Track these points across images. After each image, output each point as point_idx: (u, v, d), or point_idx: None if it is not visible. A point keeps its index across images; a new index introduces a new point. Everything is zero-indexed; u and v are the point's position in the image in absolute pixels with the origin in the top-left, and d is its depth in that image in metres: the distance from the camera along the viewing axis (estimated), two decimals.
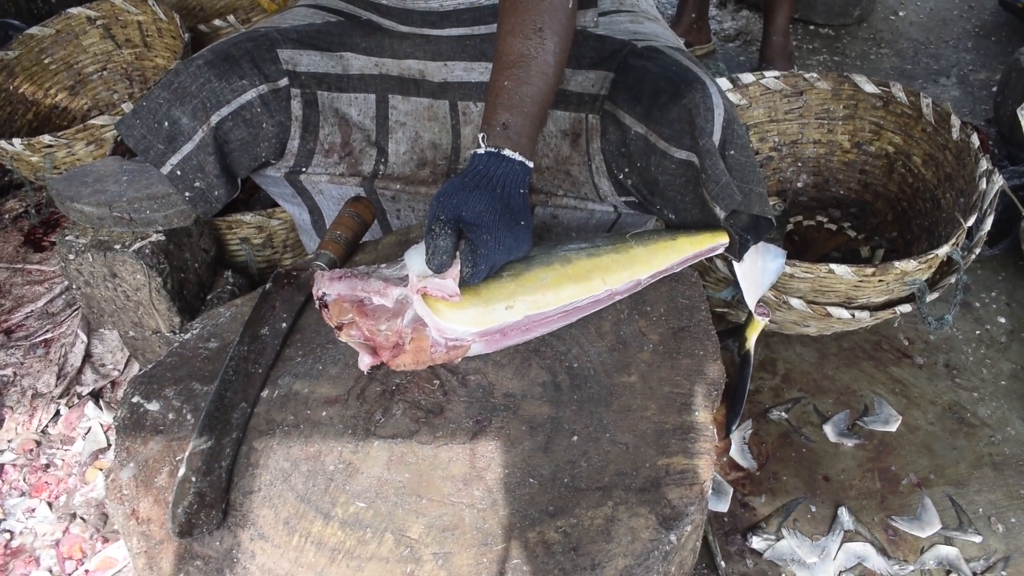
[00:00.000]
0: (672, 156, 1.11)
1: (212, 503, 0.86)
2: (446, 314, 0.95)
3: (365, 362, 0.96)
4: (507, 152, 0.99)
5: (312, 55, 1.31)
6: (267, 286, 1.10)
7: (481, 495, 0.87)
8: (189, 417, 0.97)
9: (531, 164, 1.01)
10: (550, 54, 1.03)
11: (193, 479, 0.87)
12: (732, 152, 1.09)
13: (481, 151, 1.00)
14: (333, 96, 1.33)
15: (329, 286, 0.98)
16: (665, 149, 1.11)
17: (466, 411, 0.95)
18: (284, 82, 1.30)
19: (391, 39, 1.31)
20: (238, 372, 0.99)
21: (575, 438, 0.92)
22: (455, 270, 0.94)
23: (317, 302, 0.99)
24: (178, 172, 1.25)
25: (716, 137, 1.07)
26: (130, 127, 1.24)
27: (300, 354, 1.03)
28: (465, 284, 0.96)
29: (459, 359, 0.98)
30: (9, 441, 1.51)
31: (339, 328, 0.97)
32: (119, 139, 1.53)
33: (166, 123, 1.23)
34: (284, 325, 1.05)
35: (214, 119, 1.25)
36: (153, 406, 0.98)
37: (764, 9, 2.32)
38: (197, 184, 1.27)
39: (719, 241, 1.11)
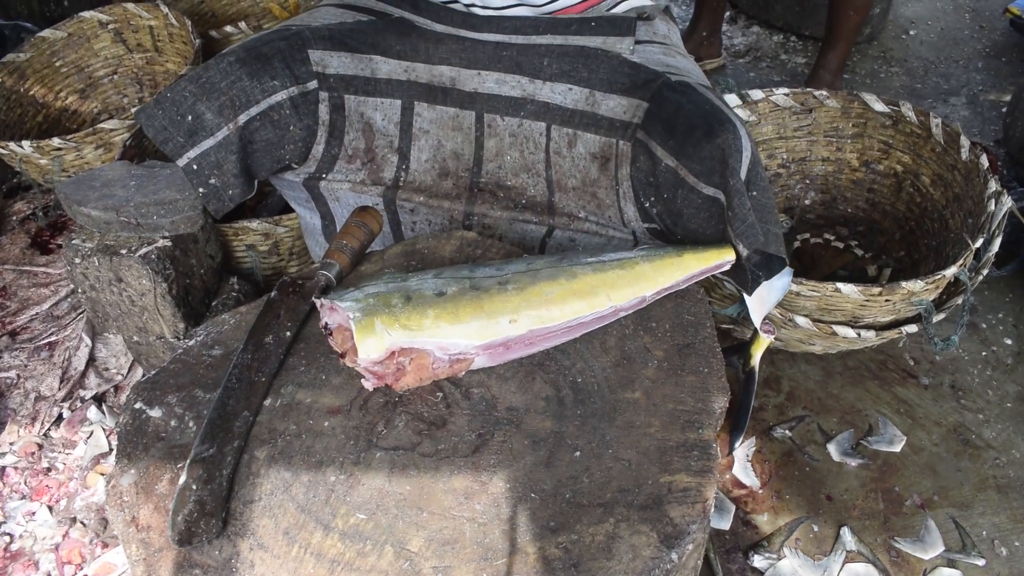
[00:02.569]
0: (700, 191, 1.13)
1: (212, 511, 0.86)
2: (446, 329, 0.95)
3: (369, 384, 0.96)
4: None
5: (342, 57, 1.30)
6: (272, 294, 1.10)
7: (482, 509, 0.86)
8: (191, 424, 0.97)
9: None
10: None
11: (194, 487, 0.87)
12: (755, 193, 1.12)
13: None
14: (360, 100, 1.32)
15: (330, 316, 0.99)
16: (694, 184, 1.13)
17: (468, 424, 0.95)
18: (313, 84, 1.29)
19: (426, 43, 1.30)
20: (241, 380, 0.99)
21: (577, 453, 0.91)
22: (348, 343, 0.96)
23: (323, 331, 1.00)
24: (194, 166, 1.24)
25: (743, 177, 1.10)
26: (151, 117, 1.23)
27: (303, 363, 1.03)
28: None
29: (463, 372, 0.98)
30: (11, 444, 1.51)
31: (343, 355, 0.97)
32: (128, 143, 1.54)
33: (189, 117, 1.22)
34: (288, 334, 1.05)
35: (242, 119, 1.24)
36: (155, 412, 0.98)
37: (822, 43, 2.31)
38: (212, 181, 1.26)
39: (725, 258, 1.11)
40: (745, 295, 1.17)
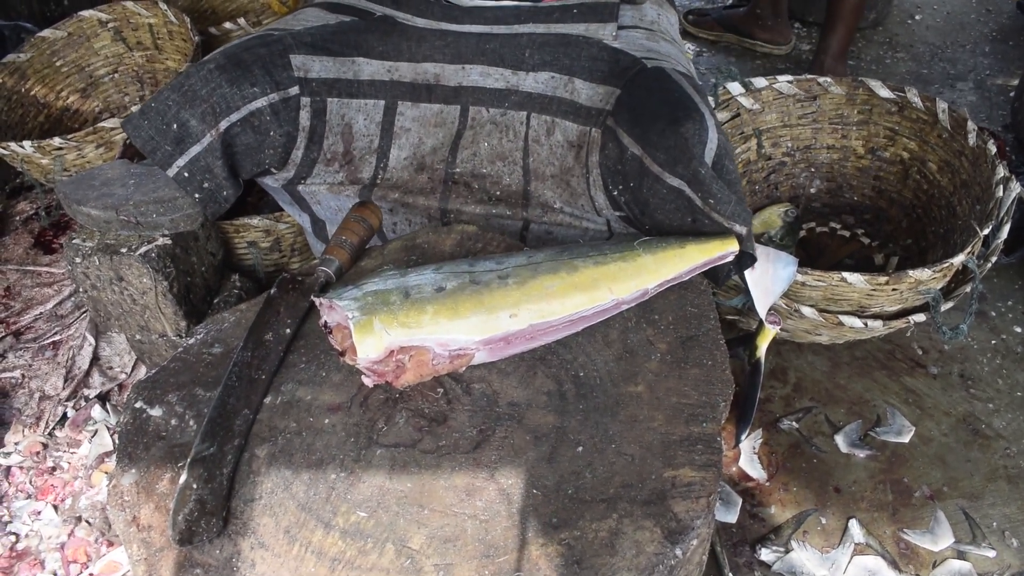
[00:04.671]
0: (664, 181, 1.11)
1: (213, 511, 0.86)
2: (445, 325, 0.94)
3: (369, 382, 0.95)
4: None
5: (324, 61, 1.29)
6: (272, 291, 1.10)
7: (484, 506, 0.86)
8: (191, 423, 0.96)
9: None
10: None
11: (194, 486, 0.87)
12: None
13: None
14: (343, 102, 1.31)
15: (329, 315, 0.98)
16: (658, 174, 1.11)
17: (470, 420, 0.94)
18: (295, 91, 1.28)
19: (408, 41, 1.29)
20: (241, 378, 0.98)
21: (580, 448, 0.90)
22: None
23: (323, 329, 0.99)
24: (185, 174, 1.24)
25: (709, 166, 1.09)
26: (137, 127, 1.24)
27: (304, 360, 1.02)
28: None
29: (463, 368, 0.97)
30: (16, 443, 1.51)
31: (342, 354, 0.97)
32: (128, 142, 1.53)
33: (174, 125, 1.23)
34: (288, 331, 1.04)
35: (223, 125, 1.24)
36: (156, 412, 0.98)
37: (823, 28, 2.29)
38: (206, 185, 1.26)
39: (729, 248, 1.10)
40: (748, 281, 1.16)
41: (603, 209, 1.24)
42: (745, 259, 1.14)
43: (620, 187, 1.20)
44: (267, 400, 0.98)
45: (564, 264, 1.02)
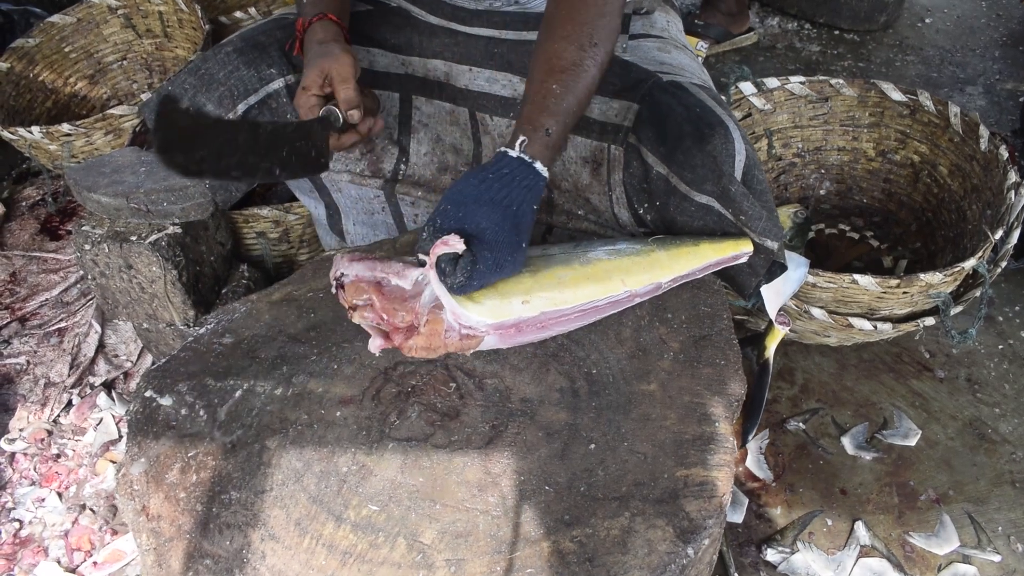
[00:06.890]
0: (692, 199, 1.10)
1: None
2: (462, 299, 0.93)
3: (376, 344, 0.93)
4: (538, 165, 0.95)
5: None
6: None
7: (496, 502, 0.85)
8: (202, 413, 0.96)
9: (547, 176, 0.97)
10: (598, 69, 1.01)
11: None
12: (752, 197, 1.09)
13: (513, 154, 0.95)
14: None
15: (347, 267, 0.95)
16: (686, 192, 1.10)
17: (482, 415, 0.94)
18: None
19: (420, 36, 1.28)
20: None
21: (592, 446, 0.90)
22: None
23: (334, 283, 0.97)
24: None
25: (739, 180, 1.07)
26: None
27: (315, 352, 1.02)
28: (455, 292, 0.93)
29: (471, 351, 0.96)
30: (21, 430, 1.50)
31: (352, 309, 0.95)
32: (137, 129, 1.52)
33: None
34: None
35: (240, 108, 1.23)
36: (166, 401, 0.97)
37: None
38: None
39: (742, 249, 1.09)
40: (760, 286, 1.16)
41: (627, 225, 1.24)
42: (776, 269, 1.13)
43: (646, 205, 1.18)
44: (278, 391, 0.98)
45: (578, 256, 1.02)
